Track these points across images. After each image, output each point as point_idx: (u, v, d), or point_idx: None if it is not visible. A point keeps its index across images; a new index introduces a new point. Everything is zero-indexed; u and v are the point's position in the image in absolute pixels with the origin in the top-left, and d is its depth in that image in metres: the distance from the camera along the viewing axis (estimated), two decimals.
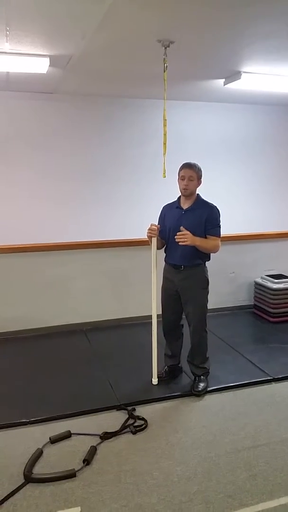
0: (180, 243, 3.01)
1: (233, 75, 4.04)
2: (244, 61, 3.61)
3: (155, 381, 3.34)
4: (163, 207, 3.35)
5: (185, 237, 2.99)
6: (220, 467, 2.48)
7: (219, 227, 3.17)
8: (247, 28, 2.84)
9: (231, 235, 4.81)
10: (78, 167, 5.12)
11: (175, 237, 3.03)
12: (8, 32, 2.86)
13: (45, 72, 3.72)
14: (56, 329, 4.43)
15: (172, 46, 3.12)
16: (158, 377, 3.36)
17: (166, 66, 3.31)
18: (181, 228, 3.02)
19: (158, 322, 3.33)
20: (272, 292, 4.71)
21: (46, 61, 3.42)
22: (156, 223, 3.28)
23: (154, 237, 3.19)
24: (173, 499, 2.24)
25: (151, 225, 3.18)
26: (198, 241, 3.04)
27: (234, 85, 4.21)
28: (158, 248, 3.25)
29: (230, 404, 3.13)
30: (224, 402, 3.15)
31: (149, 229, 3.18)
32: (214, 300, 4.66)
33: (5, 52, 3.25)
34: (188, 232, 3.00)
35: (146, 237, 3.21)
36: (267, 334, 4.42)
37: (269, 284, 4.77)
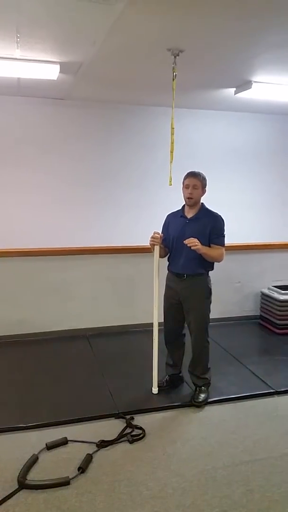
0: (192, 247, 2.97)
1: (244, 84, 4.04)
2: (255, 70, 3.61)
3: (155, 390, 3.32)
4: (167, 216, 3.34)
5: (195, 241, 2.96)
6: (216, 481, 2.43)
7: (224, 236, 3.16)
8: (258, 38, 2.84)
9: (239, 245, 4.78)
10: (87, 172, 5.15)
11: (185, 242, 3.01)
12: (18, 39, 2.90)
13: (55, 79, 3.76)
14: (59, 334, 4.43)
15: (181, 55, 3.13)
16: (158, 386, 3.33)
17: (175, 75, 3.32)
18: (186, 240, 3.00)
19: (159, 330, 3.31)
20: (279, 303, 4.65)
21: (57, 67, 3.46)
22: (161, 231, 3.27)
23: (156, 245, 3.18)
24: (167, 511, 2.20)
25: (154, 233, 3.17)
26: (204, 249, 3.03)
27: (244, 95, 4.21)
28: (161, 256, 3.23)
29: (230, 416, 3.09)
30: (224, 414, 3.11)
31: (152, 237, 3.17)
32: (220, 310, 4.66)
33: (16, 59, 3.30)
34: (196, 240, 2.97)
35: (149, 244, 3.21)
36: (272, 346, 4.36)
37: (276, 295, 4.72)
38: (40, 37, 2.88)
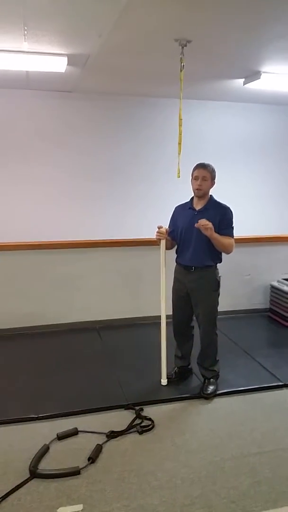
0: (203, 229, 2.95)
1: (253, 75, 3.98)
2: (264, 60, 3.56)
3: (164, 381, 3.34)
4: (175, 208, 3.33)
5: (207, 225, 2.94)
6: (224, 472, 2.45)
7: (232, 228, 3.15)
8: (267, 27, 2.79)
9: (248, 237, 4.76)
10: (95, 166, 5.14)
11: (196, 225, 2.98)
12: (26, 32, 2.90)
13: (63, 71, 3.75)
14: (69, 326, 4.47)
15: (189, 45, 3.10)
16: (167, 378, 3.35)
17: (183, 66, 3.28)
18: (198, 223, 2.98)
19: (168, 323, 3.32)
20: None
21: (64, 60, 3.44)
22: (169, 223, 3.28)
23: (162, 239, 3.18)
24: (175, 501, 2.23)
25: (159, 227, 3.18)
26: (216, 235, 3.01)
27: (253, 85, 4.15)
28: (167, 249, 3.24)
29: (239, 408, 3.10)
30: (233, 406, 3.12)
31: (158, 232, 3.17)
32: (229, 302, 4.66)
33: (24, 51, 3.29)
34: (210, 224, 2.95)
35: (155, 238, 3.21)
36: (281, 339, 4.36)
37: (286, 288, 4.70)
38: (47, 29, 2.87)
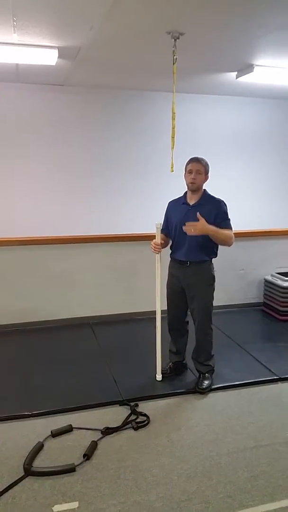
0: (188, 233, 2.97)
1: (246, 68, 3.96)
2: (257, 53, 3.54)
3: (159, 377, 3.32)
4: (169, 203, 3.30)
5: (194, 226, 2.94)
6: (221, 467, 2.44)
7: (229, 220, 3.12)
8: (260, 19, 2.77)
9: (242, 232, 4.73)
10: (87, 160, 5.10)
11: (183, 227, 2.98)
12: (15, 23, 2.84)
13: (54, 64, 3.69)
14: (63, 322, 4.43)
15: (182, 38, 3.07)
16: (162, 373, 3.34)
17: (176, 59, 3.25)
18: (187, 224, 2.98)
19: (162, 318, 3.30)
20: (282, 290, 4.63)
21: (55, 52, 3.40)
22: (163, 219, 3.27)
23: (158, 253, 3.18)
24: (172, 497, 2.22)
25: (154, 243, 3.16)
26: (212, 230, 2.98)
27: (246, 78, 4.13)
28: (162, 247, 3.21)
29: (234, 402, 3.09)
30: (228, 401, 3.11)
31: (153, 247, 3.17)
32: (223, 297, 4.65)
33: (14, 43, 3.24)
34: (201, 221, 2.93)
35: (152, 251, 3.20)
36: (275, 333, 4.36)
37: (280, 282, 4.70)
38: (36, 21, 2.81)
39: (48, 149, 4.94)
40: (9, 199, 4.91)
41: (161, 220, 3.27)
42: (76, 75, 4.33)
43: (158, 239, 3.16)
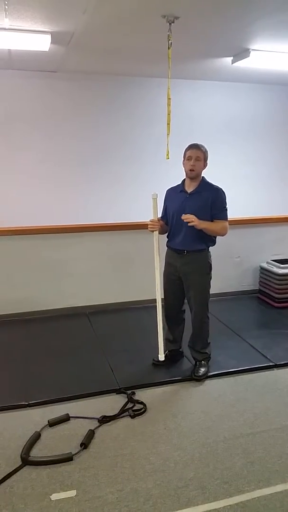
0: (189, 224, 2.95)
1: (242, 53, 3.90)
2: (253, 38, 3.48)
3: (161, 357, 3.22)
4: (167, 191, 3.27)
5: (191, 217, 2.93)
6: (217, 453, 2.47)
7: (226, 209, 3.10)
8: (256, 3, 2.71)
9: (237, 219, 4.73)
10: (82, 148, 5.04)
11: (182, 217, 2.96)
12: (6, 7, 2.77)
13: (47, 50, 3.62)
14: (59, 312, 4.42)
15: (177, 21, 3.01)
16: (157, 360, 3.28)
17: (171, 43, 3.19)
18: (183, 216, 2.96)
19: (163, 299, 3.28)
20: (278, 277, 4.64)
21: (48, 37, 3.33)
22: (162, 207, 3.23)
23: (155, 230, 3.11)
24: (169, 484, 2.24)
25: (151, 220, 3.10)
26: (205, 225, 2.98)
27: (242, 64, 4.07)
28: (160, 233, 3.18)
29: (230, 389, 3.11)
30: (224, 388, 3.13)
31: (150, 225, 3.11)
32: (219, 285, 4.64)
33: (5, 28, 3.16)
34: (195, 221, 2.93)
35: (148, 230, 3.14)
36: (271, 320, 4.38)
37: (275, 269, 4.71)
38: (29, 4, 2.74)
39: (41, 137, 4.87)
40: (2, 189, 4.85)
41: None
42: (69, 61, 4.25)
43: (155, 215, 3.09)
